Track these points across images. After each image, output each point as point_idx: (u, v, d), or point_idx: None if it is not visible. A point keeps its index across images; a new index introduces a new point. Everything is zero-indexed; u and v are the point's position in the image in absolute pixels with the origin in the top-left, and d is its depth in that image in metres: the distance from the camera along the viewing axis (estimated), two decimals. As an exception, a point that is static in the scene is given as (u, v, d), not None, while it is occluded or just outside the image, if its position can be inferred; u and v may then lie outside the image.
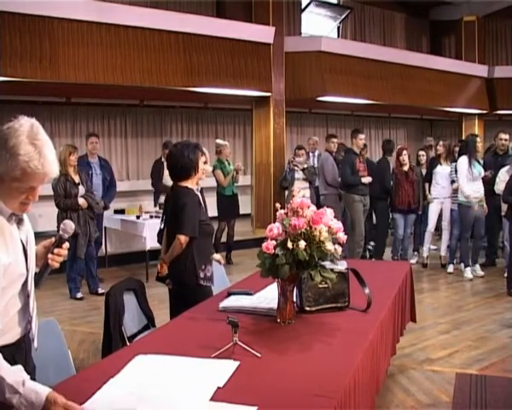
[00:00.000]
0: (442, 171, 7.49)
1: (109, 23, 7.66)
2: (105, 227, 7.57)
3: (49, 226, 7.03)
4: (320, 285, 2.58)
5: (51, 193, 5.90)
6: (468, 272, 6.99)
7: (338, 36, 12.74)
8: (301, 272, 2.39)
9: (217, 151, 7.97)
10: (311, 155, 9.08)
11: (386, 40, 13.50)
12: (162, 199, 6.83)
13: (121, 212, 7.74)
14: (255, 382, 1.88)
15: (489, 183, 7.04)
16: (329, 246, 2.34)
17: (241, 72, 9.05)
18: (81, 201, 6.01)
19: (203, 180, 3.94)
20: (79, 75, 7.44)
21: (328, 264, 2.41)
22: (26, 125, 1.68)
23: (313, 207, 2.41)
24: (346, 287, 2.73)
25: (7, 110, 7.86)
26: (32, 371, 1.85)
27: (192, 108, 11.18)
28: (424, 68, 11.42)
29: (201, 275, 3.35)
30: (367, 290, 2.72)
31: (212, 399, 1.74)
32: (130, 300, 3.20)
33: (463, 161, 6.86)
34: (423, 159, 8.27)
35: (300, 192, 2.61)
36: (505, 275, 6.47)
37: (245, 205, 9.23)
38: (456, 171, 7.06)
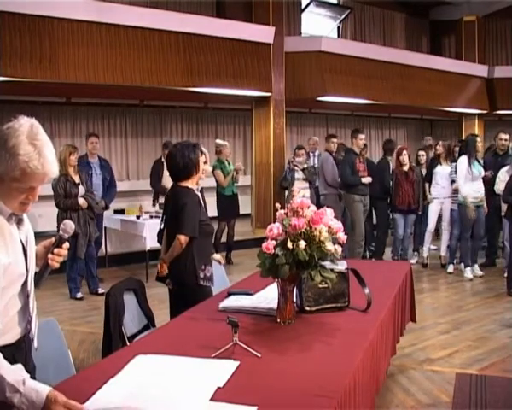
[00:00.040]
0: (442, 171, 7.49)
1: (109, 23, 7.66)
2: (105, 227, 7.57)
3: (49, 226, 7.03)
4: (320, 285, 2.57)
5: (51, 193, 5.90)
6: (468, 272, 6.99)
7: (338, 36, 12.74)
8: (301, 272, 2.39)
9: (217, 151, 7.97)
10: (311, 155, 9.07)
11: (386, 40, 13.50)
12: (162, 199, 6.83)
13: (121, 212, 7.75)
14: (255, 382, 1.88)
15: (489, 183, 7.04)
16: (329, 246, 2.34)
17: (241, 72, 9.05)
18: (81, 201, 6.01)
19: (203, 180, 3.94)
20: (79, 75, 7.44)
21: (328, 264, 2.41)
22: (25, 125, 1.68)
23: (313, 207, 2.41)
24: (346, 287, 2.73)
25: (7, 110, 7.85)
26: (31, 371, 1.85)
27: (192, 108, 11.17)
28: (424, 68, 11.42)
29: (201, 275, 3.35)
30: (367, 290, 2.72)
31: (212, 399, 1.74)
32: (130, 300, 3.20)
33: (463, 160, 6.86)
34: (423, 159, 8.27)
35: (300, 192, 2.61)
36: (505, 275, 6.47)
37: (245, 205, 9.23)
38: (456, 171, 7.06)
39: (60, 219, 5.89)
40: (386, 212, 7.88)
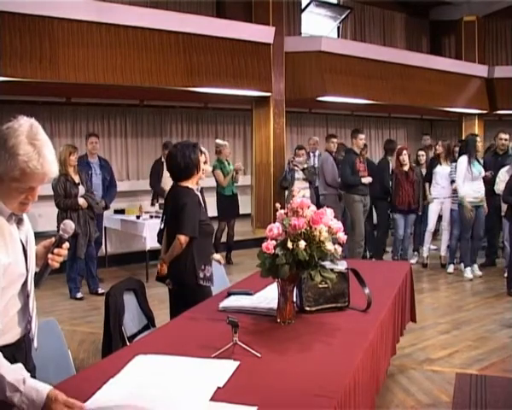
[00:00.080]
0: (442, 171, 7.49)
1: (109, 23, 7.66)
2: (105, 227, 7.57)
3: (49, 226, 7.03)
4: (320, 285, 2.57)
5: (51, 193, 5.90)
6: (468, 272, 6.99)
7: (338, 36, 12.74)
8: (301, 272, 2.39)
9: (216, 151, 7.97)
10: (311, 155, 9.07)
11: (386, 40, 13.49)
12: (162, 199, 6.83)
13: (121, 212, 7.75)
14: (255, 382, 1.88)
15: (489, 183, 7.04)
16: (329, 246, 2.34)
17: (241, 72, 9.05)
18: (81, 201, 6.01)
19: (203, 180, 3.94)
20: (79, 75, 7.44)
21: (328, 264, 2.41)
22: (25, 126, 1.68)
23: (313, 207, 2.41)
24: (346, 287, 2.73)
25: (7, 110, 7.85)
26: (31, 371, 1.84)
27: (192, 108, 11.17)
28: (424, 68, 11.42)
29: (201, 275, 3.35)
30: (367, 290, 2.72)
31: (212, 399, 1.74)
32: (130, 300, 3.20)
33: (463, 160, 6.86)
34: (423, 159, 8.27)
35: (300, 192, 2.61)
36: (505, 275, 6.47)
37: (245, 205, 9.23)
38: (456, 171, 7.06)
39: (60, 219, 5.89)
40: (386, 212, 7.88)
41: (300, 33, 12.00)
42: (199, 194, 3.53)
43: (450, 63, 12.30)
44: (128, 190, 9.71)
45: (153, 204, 8.04)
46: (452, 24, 13.45)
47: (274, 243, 2.34)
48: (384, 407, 3.45)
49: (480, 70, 12.78)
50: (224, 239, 8.01)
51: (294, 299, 2.54)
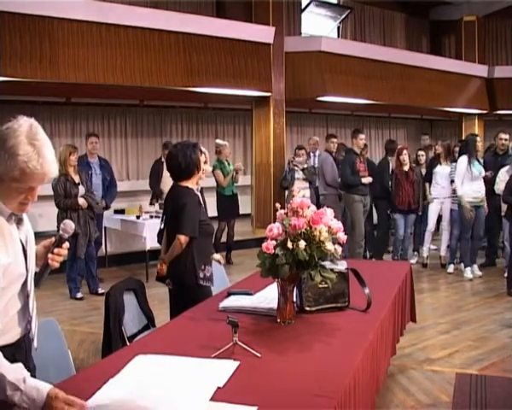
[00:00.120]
0: (442, 171, 7.49)
1: (109, 23, 7.66)
2: (105, 227, 7.57)
3: (49, 226, 7.03)
4: (320, 285, 2.57)
5: (51, 193, 5.90)
6: (468, 272, 6.99)
7: (338, 36, 12.74)
8: (301, 272, 2.39)
9: (216, 151, 7.97)
10: (311, 155, 9.07)
11: (386, 40, 13.49)
12: (163, 199, 6.83)
13: (121, 212, 7.74)
14: (255, 382, 1.88)
15: (489, 183, 7.04)
16: (329, 246, 2.34)
17: (241, 72, 9.05)
18: (81, 201, 6.01)
19: (203, 180, 3.94)
20: (79, 75, 7.44)
21: (328, 264, 2.41)
22: (25, 126, 1.68)
23: (313, 207, 2.41)
24: (346, 287, 2.73)
25: (7, 110, 7.85)
26: (32, 371, 1.84)
27: (192, 108, 11.17)
28: (424, 68, 11.42)
29: (201, 275, 3.35)
30: (367, 290, 2.72)
31: (212, 399, 1.74)
32: (130, 300, 3.20)
33: (463, 160, 6.86)
34: (422, 159, 8.28)
35: (300, 192, 2.61)
36: (505, 275, 6.47)
37: (245, 205, 9.23)
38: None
39: (60, 219, 5.88)
40: (387, 212, 7.88)
41: (300, 33, 12.00)
42: (199, 194, 3.53)
43: (450, 63, 12.30)
44: (128, 190, 9.71)
45: (151, 204, 8.05)
46: (452, 24, 13.45)
47: (274, 243, 2.34)
48: (384, 407, 3.45)
49: (480, 70, 12.78)
50: (224, 239, 8.01)
51: (294, 299, 2.54)
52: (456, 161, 7.22)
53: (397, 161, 7.57)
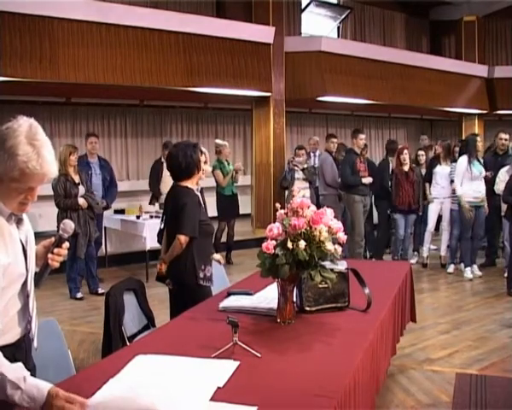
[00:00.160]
0: (442, 171, 7.49)
1: (109, 23, 7.66)
2: (105, 227, 7.57)
3: (49, 226, 7.03)
4: (320, 285, 2.57)
5: (51, 193, 5.89)
6: (468, 272, 6.99)
7: (338, 36, 12.74)
8: (301, 272, 2.39)
9: (216, 151, 7.97)
10: (311, 155, 9.07)
11: (386, 40, 13.49)
12: (162, 199, 6.83)
13: (121, 212, 7.74)
14: (255, 382, 1.88)
15: (489, 183, 7.04)
16: (329, 246, 2.34)
17: (241, 72, 9.05)
18: (81, 201, 6.01)
19: (203, 180, 3.94)
20: (79, 75, 7.44)
21: (328, 264, 2.41)
22: (24, 126, 1.68)
23: (313, 207, 2.41)
24: (346, 287, 2.73)
25: (7, 110, 7.85)
26: (32, 371, 1.84)
27: (192, 108, 11.17)
28: (424, 68, 11.42)
29: (201, 275, 3.35)
30: (367, 290, 2.72)
31: (212, 399, 1.74)
32: (130, 300, 3.20)
33: (463, 160, 6.86)
34: (422, 159, 8.27)
35: (300, 192, 2.61)
36: (505, 275, 6.47)
37: (245, 205, 9.23)
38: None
39: (60, 219, 5.88)
40: (387, 212, 7.88)
41: (300, 33, 12.00)
42: (199, 194, 3.53)
43: (450, 63, 12.30)
44: (128, 190, 9.71)
45: (151, 203, 8.04)
46: (452, 24, 13.45)
47: (274, 243, 2.34)
48: (384, 407, 3.45)
49: (480, 70, 12.78)
50: (224, 239, 8.01)
51: (294, 299, 2.54)
52: (456, 161, 7.22)
53: (397, 160, 7.56)
